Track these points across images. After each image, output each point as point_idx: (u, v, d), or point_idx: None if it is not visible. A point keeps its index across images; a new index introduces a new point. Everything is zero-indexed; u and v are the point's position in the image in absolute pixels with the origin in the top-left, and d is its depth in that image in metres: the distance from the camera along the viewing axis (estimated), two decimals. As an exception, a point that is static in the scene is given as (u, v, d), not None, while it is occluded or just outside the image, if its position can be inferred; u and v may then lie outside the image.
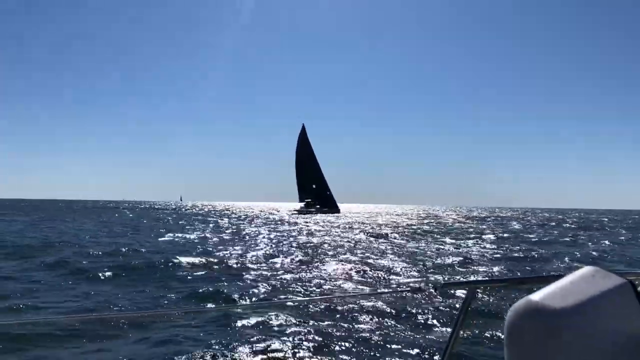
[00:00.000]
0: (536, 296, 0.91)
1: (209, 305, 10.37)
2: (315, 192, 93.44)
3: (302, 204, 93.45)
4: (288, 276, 14.07)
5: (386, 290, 12.76)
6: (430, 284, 13.75)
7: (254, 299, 11.27)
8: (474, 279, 11.88)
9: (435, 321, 9.06)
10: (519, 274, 15.02)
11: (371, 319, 9.22)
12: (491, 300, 10.43)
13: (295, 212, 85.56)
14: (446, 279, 14.00)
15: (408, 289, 2.87)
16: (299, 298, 11.57)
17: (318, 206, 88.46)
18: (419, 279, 14.27)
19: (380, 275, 14.68)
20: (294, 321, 8.92)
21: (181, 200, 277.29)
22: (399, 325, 8.81)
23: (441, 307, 10.13)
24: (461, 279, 13.83)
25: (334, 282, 13.28)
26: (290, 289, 12.25)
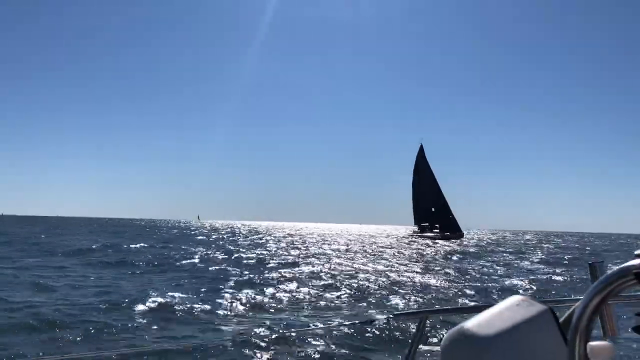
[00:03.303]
0: (467, 324, 1.00)
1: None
2: (435, 216, 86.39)
3: (415, 228, 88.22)
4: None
5: (338, 323, 12.74)
6: (383, 316, 13.86)
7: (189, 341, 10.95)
8: (425, 308, 12.11)
9: (388, 352, 9.15)
10: (467, 302, 15.45)
11: (322, 354, 9.16)
12: (443, 328, 10.66)
13: (415, 233, 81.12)
14: (399, 308, 14.20)
15: (361, 321, 2.90)
16: (242, 332, 11.29)
17: (437, 230, 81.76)
18: (372, 311, 14.36)
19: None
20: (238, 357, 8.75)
21: (199, 219, 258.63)
22: (352, 359, 8.81)
23: (394, 338, 10.24)
24: (415, 307, 14.07)
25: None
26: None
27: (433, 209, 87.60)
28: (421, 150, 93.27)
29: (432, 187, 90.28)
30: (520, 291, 17.91)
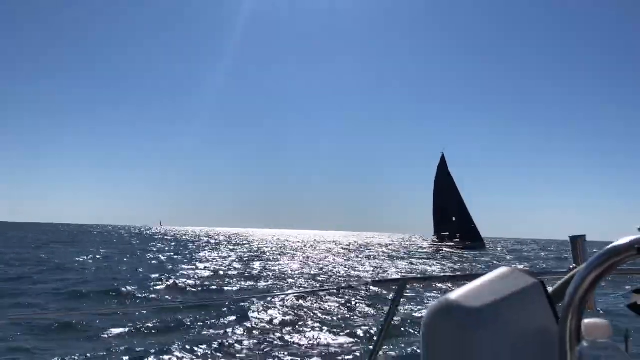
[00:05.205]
0: (452, 295, 0.93)
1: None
2: (456, 226, 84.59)
3: (434, 237, 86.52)
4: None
5: (319, 289, 12.86)
6: (361, 282, 14.05)
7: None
8: (405, 275, 12.26)
9: (365, 317, 9.27)
10: (447, 272, 15.69)
11: (304, 316, 9.30)
12: (419, 297, 10.80)
13: (434, 243, 79.98)
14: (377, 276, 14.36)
15: (339, 286, 2.87)
16: (231, 297, 11.41)
17: (457, 240, 79.33)
18: (353, 277, 14.50)
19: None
20: (226, 320, 8.81)
21: (161, 225, 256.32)
22: (331, 322, 8.93)
23: (372, 304, 10.36)
24: (393, 275, 14.26)
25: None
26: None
27: (454, 218, 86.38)
28: (443, 159, 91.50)
29: (454, 196, 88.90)
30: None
